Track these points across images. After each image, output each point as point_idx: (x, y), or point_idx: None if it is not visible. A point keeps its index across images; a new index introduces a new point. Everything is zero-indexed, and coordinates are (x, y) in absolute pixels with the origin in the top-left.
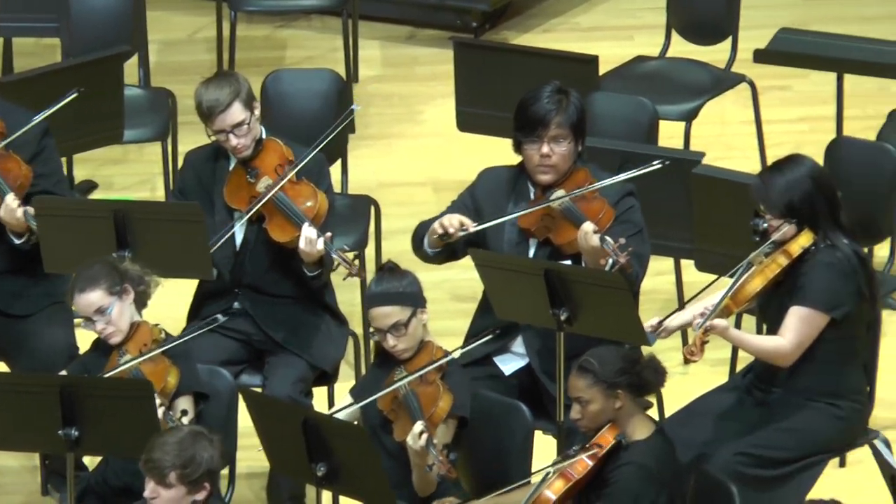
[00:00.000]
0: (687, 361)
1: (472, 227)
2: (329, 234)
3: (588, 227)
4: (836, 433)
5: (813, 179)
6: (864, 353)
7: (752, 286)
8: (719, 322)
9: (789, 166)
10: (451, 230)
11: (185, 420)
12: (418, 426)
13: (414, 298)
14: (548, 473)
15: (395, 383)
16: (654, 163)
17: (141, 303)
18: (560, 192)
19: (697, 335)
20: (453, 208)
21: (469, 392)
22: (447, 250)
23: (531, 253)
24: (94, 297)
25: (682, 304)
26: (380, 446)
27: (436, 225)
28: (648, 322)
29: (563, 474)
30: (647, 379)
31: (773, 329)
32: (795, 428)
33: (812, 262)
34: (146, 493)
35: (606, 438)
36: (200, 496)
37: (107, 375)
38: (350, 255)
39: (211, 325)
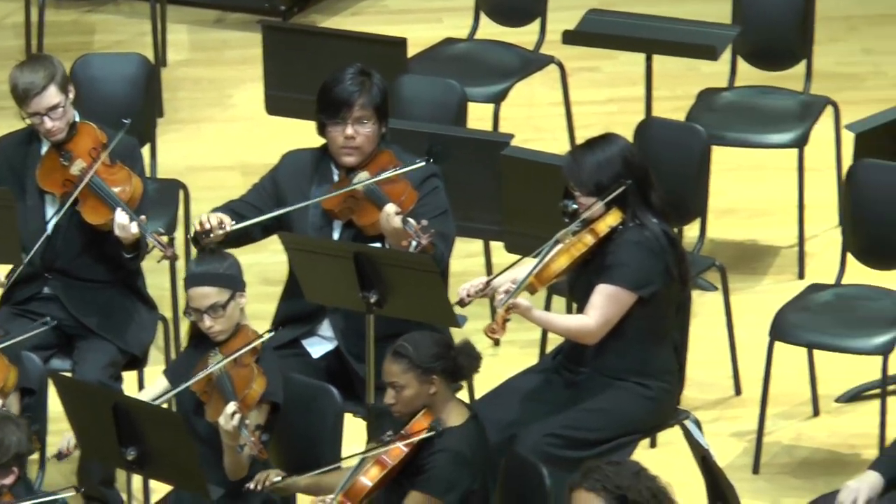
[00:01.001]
0: (490, 339)
1: (230, 226)
2: (143, 217)
3: (390, 209)
4: (646, 413)
5: (624, 159)
6: (674, 333)
7: (557, 264)
8: (521, 302)
9: (601, 145)
10: (207, 227)
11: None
12: (231, 406)
13: (233, 281)
14: (363, 460)
15: (211, 366)
16: (418, 161)
17: None
18: (364, 174)
19: (500, 313)
20: (254, 192)
21: (281, 377)
22: (231, 238)
23: (336, 235)
24: None
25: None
26: (192, 430)
27: (195, 222)
28: (473, 283)
29: (379, 461)
30: (462, 364)
31: (582, 308)
32: (605, 408)
33: (620, 241)
34: None
35: (421, 424)
36: (8, 480)
37: None
38: (165, 239)
39: (42, 328)
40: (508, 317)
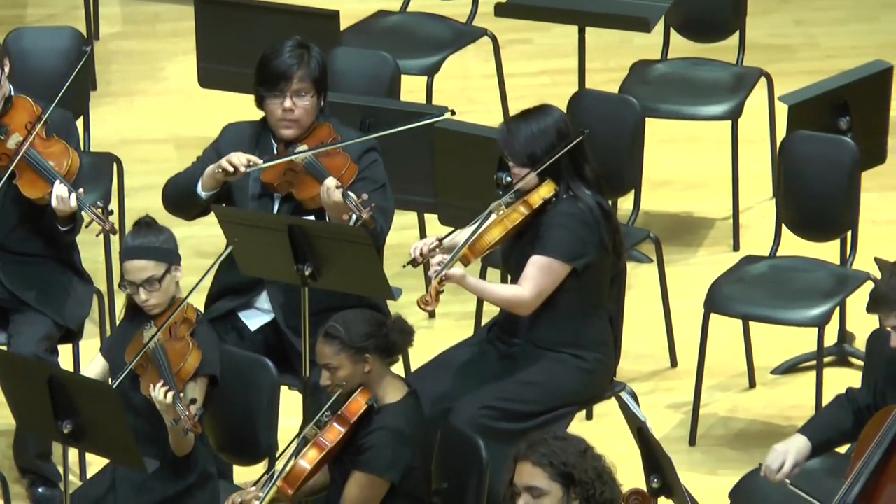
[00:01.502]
0: (424, 310)
1: (262, 163)
2: (81, 189)
3: (331, 182)
4: (582, 385)
5: (558, 130)
6: (609, 305)
7: (490, 236)
8: (455, 271)
9: (536, 116)
10: (242, 168)
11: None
12: (161, 385)
13: (169, 255)
14: (301, 443)
15: (145, 340)
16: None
17: None
18: (303, 148)
19: (433, 284)
20: (199, 164)
21: (218, 350)
22: (205, 204)
23: (275, 209)
24: None
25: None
26: (128, 403)
27: (223, 162)
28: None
29: (317, 443)
30: (395, 340)
31: (516, 280)
32: (540, 381)
33: (553, 212)
34: None
35: (358, 404)
36: None
37: None
38: (100, 211)
39: None
40: (442, 288)
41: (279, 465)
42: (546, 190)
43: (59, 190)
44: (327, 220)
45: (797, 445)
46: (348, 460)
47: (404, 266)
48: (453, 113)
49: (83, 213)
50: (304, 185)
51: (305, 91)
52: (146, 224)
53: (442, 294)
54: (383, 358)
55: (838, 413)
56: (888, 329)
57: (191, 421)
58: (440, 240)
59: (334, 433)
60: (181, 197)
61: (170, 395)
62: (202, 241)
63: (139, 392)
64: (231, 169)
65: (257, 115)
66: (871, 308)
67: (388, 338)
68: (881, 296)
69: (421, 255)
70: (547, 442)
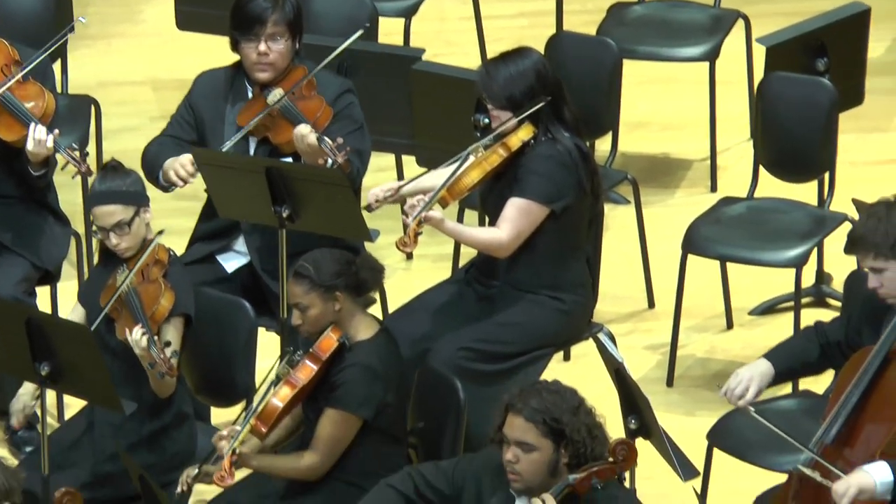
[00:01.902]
0: (402, 252)
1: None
2: (57, 131)
3: (304, 128)
4: (560, 326)
5: (537, 72)
6: (587, 246)
7: (469, 178)
8: (434, 214)
9: (514, 58)
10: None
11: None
12: (138, 329)
13: (137, 197)
14: (274, 381)
15: (118, 284)
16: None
17: None
18: (278, 91)
19: (411, 226)
20: (174, 125)
21: (191, 289)
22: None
23: (251, 152)
24: None
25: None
26: (104, 346)
27: (171, 176)
28: (382, 187)
29: (289, 381)
30: (364, 278)
31: (494, 222)
32: (518, 322)
33: (532, 154)
34: None
35: (330, 341)
36: None
37: None
38: (78, 154)
39: None
40: (420, 230)
41: (254, 404)
42: (525, 132)
43: (36, 132)
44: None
45: (761, 371)
46: (321, 398)
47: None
48: (366, 30)
49: (58, 155)
50: (279, 129)
51: (280, 34)
52: (112, 168)
53: (420, 236)
54: (353, 295)
55: (805, 344)
56: (865, 270)
57: (166, 364)
58: (398, 188)
59: (306, 371)
60: (149, 175)
61: (144, 338)
62: None
63: (115, 335)
64: (181, 183)
65: (235, 57)
66: (848, 249)
67: (357, 275)
68: (858, 237)
69: (377, 200)
70: (540, 395)
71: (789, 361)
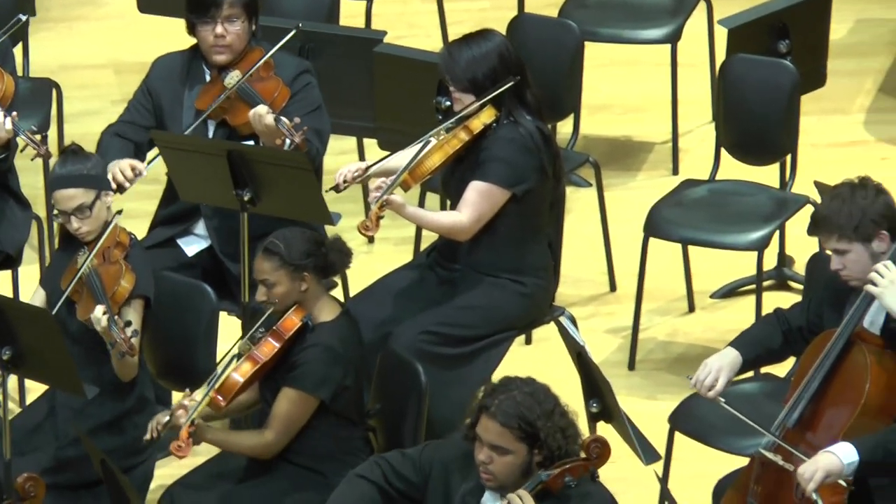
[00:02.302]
0: (364, 235)
1: (144, 168)
2: (15, 113)
3: (261, 109)
4: (521, 310)
5: (500, 55)
6: (548, 229)
7: (431, 161)
8: (395, 198)
9: (477, 40)
10: (127, 185)
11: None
12: (99, 308)
13: (98, 181)
14: (236, 356)
15: (79, 266)
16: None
17: None
18: (235, 73)
19: (373, 210)
20: (132, 111)
21: (151, 273)
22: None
23: (210, 135)
24: None
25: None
26: (65, 330)
27: (116, 175)
28: (350, 167)
29: (251, 357)
30: (333, 261)
31: (455, 205)
32: (480, 305)
33: (493, 138)
34: None
35: (293, 321)
36: None
37: None
38: (38, 137)
39: None
40: (382, 214)
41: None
42: (487, 115)
43: None
44: (261, 144)
45: (730, 361)
46: (280, 377)
47: (326, 191)
48: (298, 27)
49: (18, 137)
50: (237, 111)
51: (236, 16)
52: (73, 152)
53: (382, 219)
54: (320, 277)
55: (768, 330)
56: (828, 252)
57: (126, 343)
58: (366, 168)
59: (268, 348)
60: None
61: (105, 317)
62: None
63: (76, 319)
64: (126, 185)
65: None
66: (811, 231)
67: (326, 257)
68: (822, 218)
69: (344, 181)
70: (514, 399)
71: (755, 349)
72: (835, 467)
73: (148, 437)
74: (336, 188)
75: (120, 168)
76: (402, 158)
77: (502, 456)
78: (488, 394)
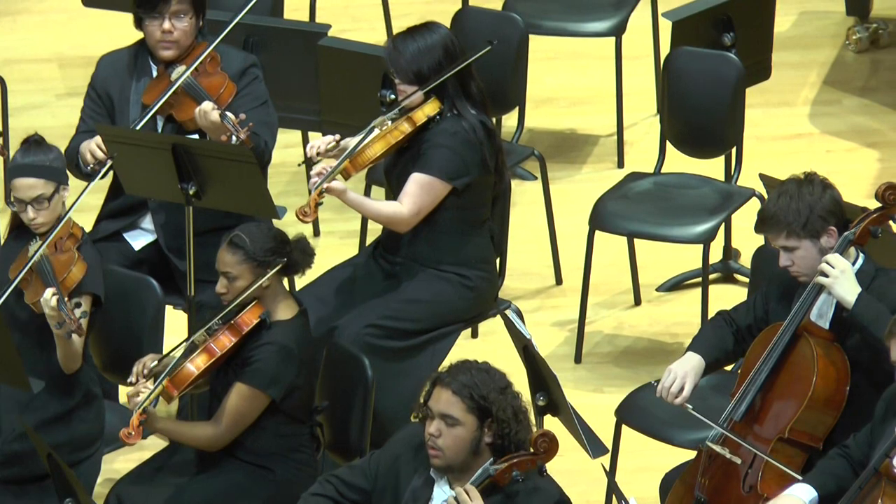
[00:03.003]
0: (302, 221)
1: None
2: None
3: (206, 105)
4: (465, 303)
5: (445, 47)
6: (491, 223)
7: (372, 150)
8: (336, 184)
9: (422, 33)
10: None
11: (77, 312)
12: (49, 290)
13: (58, 174)
14: (191, 347)
15: (31, 253)
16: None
17: None
18: (181, 68)
19: (312, 195)
20: (87, 121)
21: (101, 271)
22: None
23: (159, 130)
24: None
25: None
26: (13, 320)
27: (87, 156)
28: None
29: (207, 349)
30: (297, 260)
31: (397, 197)
32: (423, 298)
33: (436, 130)
34: None
35: (251, 316)
36: None
37: None
38: None
39: None
40: (321, 200)
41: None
42: (431, 108)
43: None
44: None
45: (693, 365)
46: (232, 371)
47: (299, 165)
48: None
49: None
50: (183, 107)
51: (184, 12)
52: (36, 142)
53: (321, 206)
54: (282, 275)
55: (720, 332)
56: (775, 248)
57: (75, 322)
58: (338, 140)
59: (225, 341)
60: (74, 169)
61: (55, 298)
62: None
63: (25, 306)
64: (94, 164)
65: (140, 35)
66: (758, 229)
67: (290, 256)
68: (770, 216)
69: (318, 153)
70: (469, 372)
71: (714, 352)
72: None
73: (132, 379)
74: (309, 162)
75: (97, 143)
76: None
77: (452, 427)
78: (444, 371)
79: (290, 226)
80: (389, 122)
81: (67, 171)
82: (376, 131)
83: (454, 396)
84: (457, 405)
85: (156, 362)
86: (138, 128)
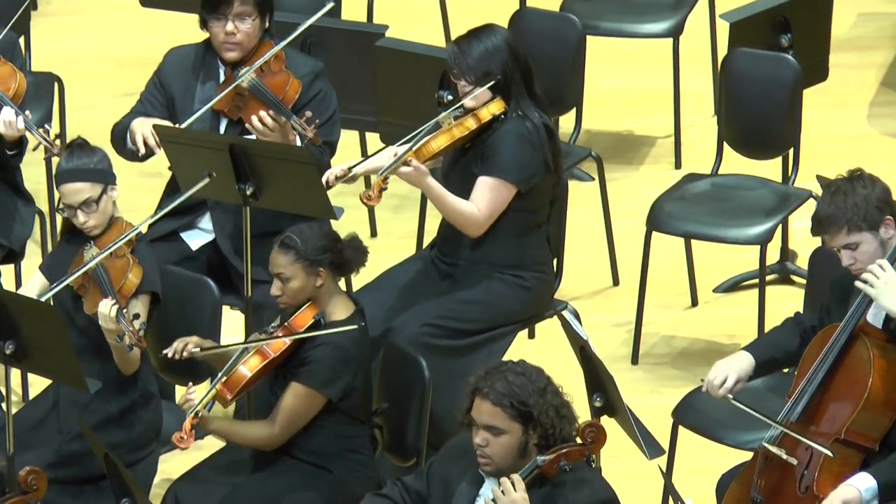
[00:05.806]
0: (365, 205)
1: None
2: (28, 112)
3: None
4: (522, 304)
5: (510, 48)
6: (548, 224)
7: (437, 143)
8: (420, 165)
9: (486, 34)
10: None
11: (136, 324)
12: (107, 301)
13: (104, 175)
14: (244, 350)
15: (87, 262)
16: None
17: None
18: (247, 69)
19: (376, 181)
20: (144, 103)
21: (158, 268)
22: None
23: (222, 131)
24: None
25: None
26: (71, 323)
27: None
28: (339, 167)
29: (260, 352)
30: (349, 258)
31: (456, 196)
32: (481, 299)
33: (501, 131)
34: None
35: (305, 317)
36: None
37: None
38: (53, 136)
39: None
40: (385, 185)
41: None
42: (496, 106)
43: (6, 114)
44: None
45: (740, 362)
46: (289, 372)
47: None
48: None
49: (29, 135)
50: (250, 109)
51: (248, 14)
52: (79, 146)
53: (385, 191)
54: (335, 274)
55: (785, 333)
56: (835, 249)
57: (135, 336)
58: (350, 167)
59: (279, 344)
60: (117, 143)
61: (114, 310)
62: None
63: (81, 312)
64: (144, 149)
65: (198, 34)
66: (815, 231)
67: (342, 254)
68: (827, 216)
69: (335, 178)
70: (506, 378)
71: (770, 351)
72: (851, 496)
73: (170, 353)
74: (326, 185)
75: (147, 133)
76: (385, 156)
77: (497, 437)
78: (480, 378)
79: (347, 227)
80: (453, 119)
81: (114, 156)
82: (441, 126)
83: (495, 407)
84: (499, 415)
85: (198, 349)
86: (188, 123)
